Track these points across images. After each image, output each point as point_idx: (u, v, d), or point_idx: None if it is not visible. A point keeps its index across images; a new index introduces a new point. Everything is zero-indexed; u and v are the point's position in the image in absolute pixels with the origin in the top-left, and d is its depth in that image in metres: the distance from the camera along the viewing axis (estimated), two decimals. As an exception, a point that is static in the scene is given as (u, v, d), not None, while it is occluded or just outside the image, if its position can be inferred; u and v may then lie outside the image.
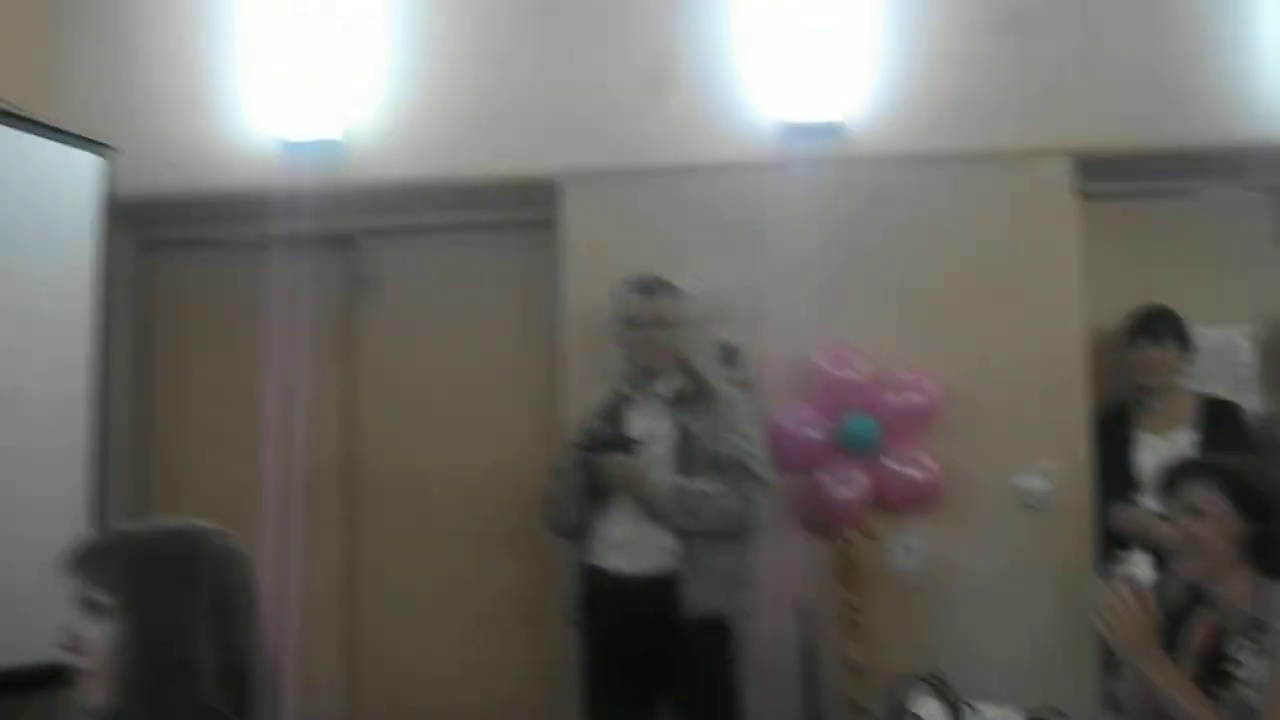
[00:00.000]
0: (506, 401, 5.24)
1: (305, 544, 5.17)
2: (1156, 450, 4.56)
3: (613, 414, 4.46)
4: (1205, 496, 2.96)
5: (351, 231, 5.35)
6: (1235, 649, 2.90)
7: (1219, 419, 4.69)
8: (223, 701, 2.03)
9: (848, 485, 4.70)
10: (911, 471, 4.72)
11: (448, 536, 5.20)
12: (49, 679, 3.80)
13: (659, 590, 4.17)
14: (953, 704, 2.41)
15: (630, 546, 4.27)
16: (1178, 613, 3.22)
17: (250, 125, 5.14)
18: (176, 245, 5.47)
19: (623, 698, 4.10)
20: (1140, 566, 2.96)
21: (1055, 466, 4.74)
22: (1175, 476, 3.06)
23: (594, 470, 4.26)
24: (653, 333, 4.44)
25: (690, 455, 4.30)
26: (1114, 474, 4.65)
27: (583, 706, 4.37)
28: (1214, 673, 2.96)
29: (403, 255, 5.38)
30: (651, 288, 4.48)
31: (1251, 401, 5.01)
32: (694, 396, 4.40)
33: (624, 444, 4.27)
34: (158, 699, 1.99)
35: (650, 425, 4.37)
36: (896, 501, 4.76)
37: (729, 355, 4.82)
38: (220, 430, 5.32)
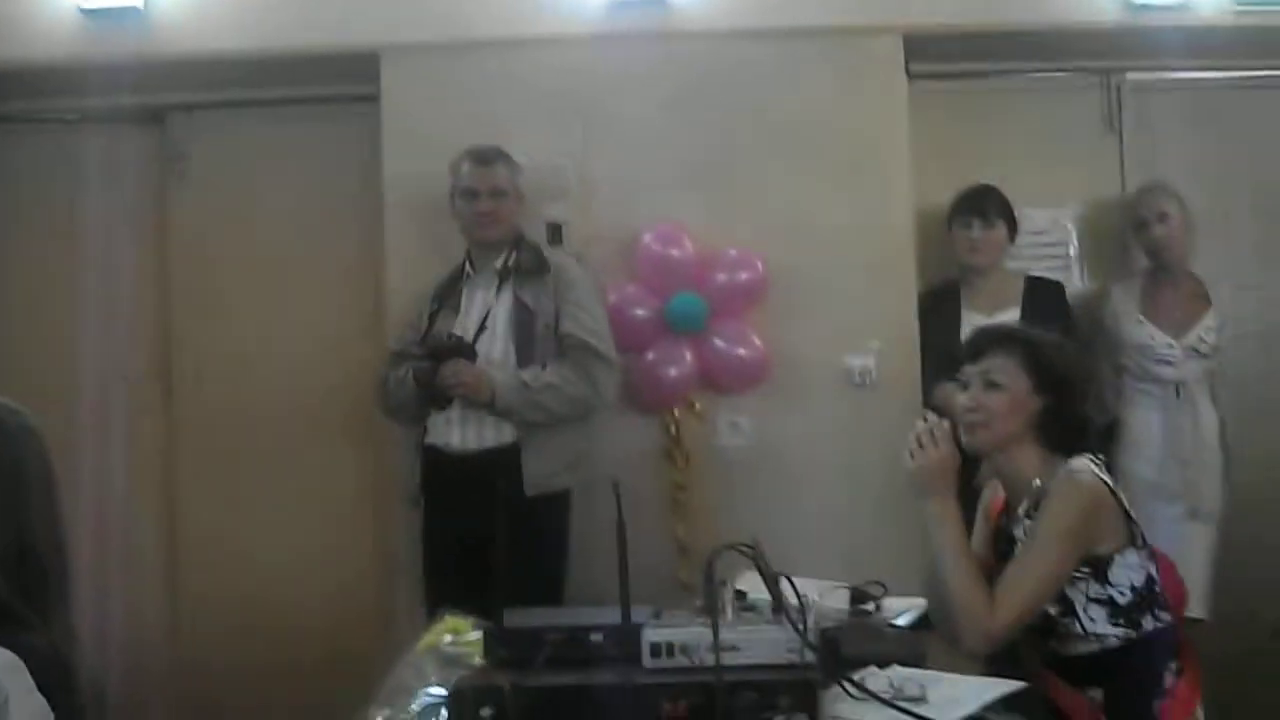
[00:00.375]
0: (330, 281, 5.10)
1: (122, 427, 5.04)
2: None
3: (450, 291, 4.39)
4: (1002, 366, 2.91)
5: (161, 107, 5.13)
6: (1017, 524, 2.89)
7: (1042, 298, 4.73)
8: (8, 581, 1.88)
9: (675, 364, 4.64)
10: (739, 350, 4.68)
11: (274, 421, 5.05)
12: None
13: (497, 466, 4.12)
14: (770, 575, 2.34)
15: (467, 424, 4.22)
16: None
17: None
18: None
19: (463, 572, 3.99)
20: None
21: (882, 345, 4.73)
22: (977, 345, 3.00)
23: (433, 378, 4.16)
24: (489, 204, 4.33)
25: (529, 333, 4.25)
26: (940, 352, 4.65)
27: (425, 584, 4.34)
28: (996, 549, 2.96)
29: (217, 132, 5.16)
30: (489, 158, 4.38)
31: (1074, 282, 5.08)
32: (531, 270, 4.32)
33: (461, 349, 4.18)
34: None
35: (487, 301, 4.31)
36: (724, 380, 4.72)
37: (555, 233, 4.71)
38: (30, 313, 5.11)
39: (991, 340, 2.99)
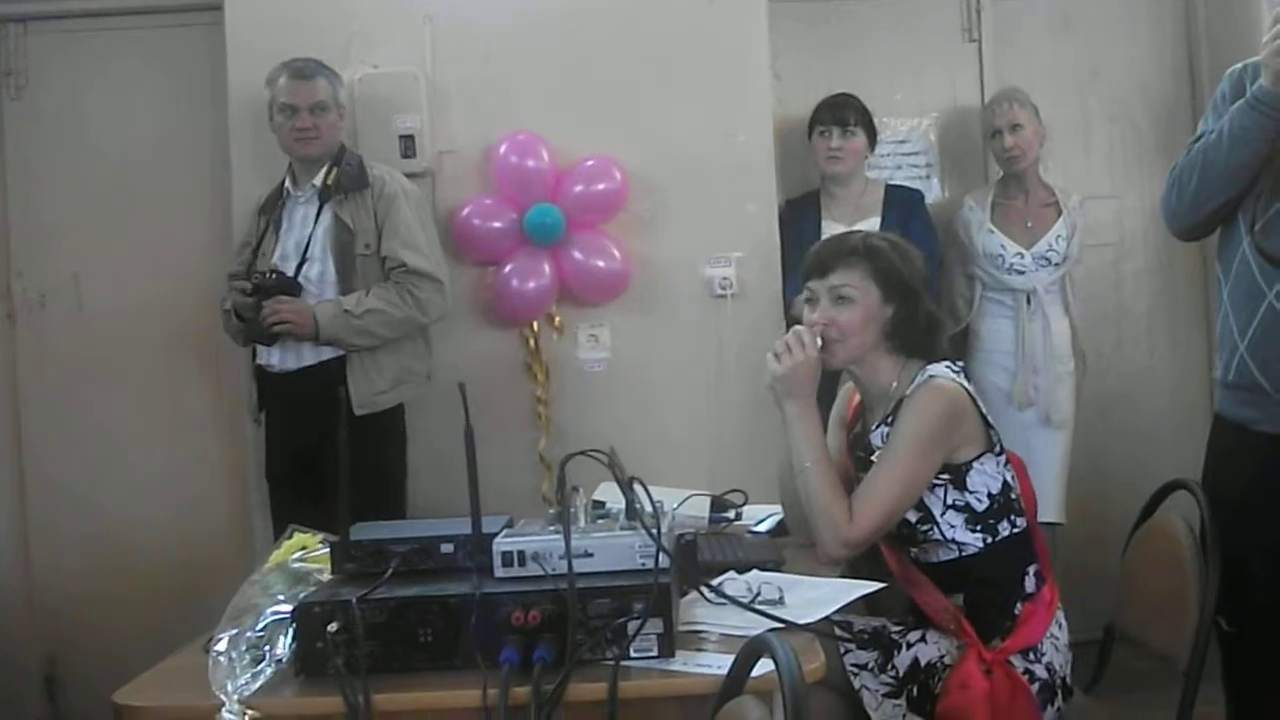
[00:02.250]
0: (176, 199, 4.93)
1: None
2: None
3: (273, 208, 4.29)
4: (850, 280, 2.88)
5: (-11, 19, 4.89)
6: (875, 432, 2.89)
7: (902, 207, 4.74)
8: None
9: (534, 277, 4.58)
10: (598, 261, 4.62)
11: (119, 343, 4.91)
12: None
13: (320, 382, 4.06)
14: (623, 479, 2.30)
15: (286, 344, 4.18)
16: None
17: None
18: None
19: (303, 489, 3.99)
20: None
21: (743, 255, 4.70)
22: (822, 260, 2.94)
23: (257, 315, 4.09)
24: (309, 120, 4.21)
25: (350, 255, 4.17)
26: (801, 263, 4.63)
27: (270, 502, 4.32)
28: (854, 457, 2.96)
29: (52, 46, 4.95)
30: (307, 72, 4.25)
31: (935, 191, 5.10)
32: (351, 187, 4.22)
33: (283, 286, 4.11)
34: None
35: (308, 220, 4.22)
36: (583, 292, 4.67)
37: (408, 145, 4.59)
38: None
39: (835, 254, 2.94)
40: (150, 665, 2.33)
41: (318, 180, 4.23)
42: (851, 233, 3.11)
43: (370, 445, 3.94)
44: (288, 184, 4.30)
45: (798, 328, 2.89)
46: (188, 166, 4.92)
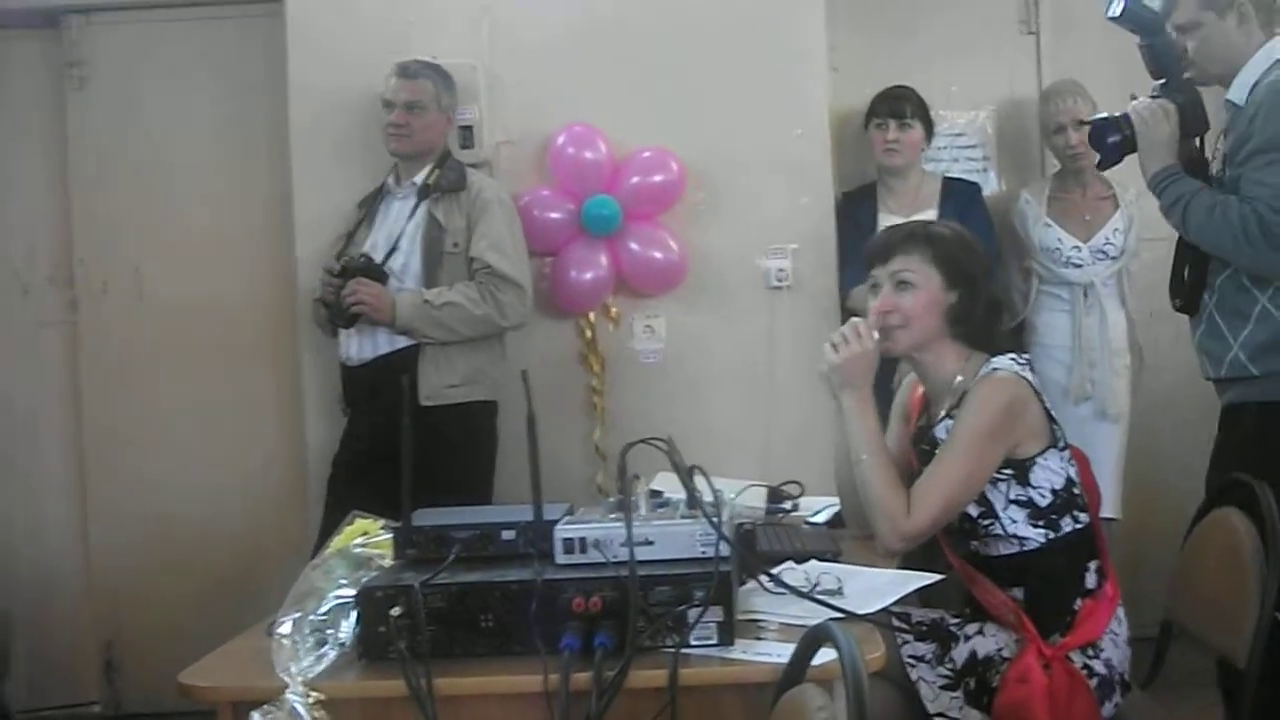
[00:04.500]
0: (236, 191, 4.99)
1: (25, 340, 5.03)
2: None
3: (372, 203, 4.38)
4: (912, 265, 2.88)
5: (56, 10, 4.96)
6: (939, 424, 2.88)
7: (959, 200, 4.72)
8: None
9: (590, 268, 4.60)
10: (654, 253, 4.63)
11: (179, 332, 4.98)
12: None
13: (390, 373, 4.07)
14: (683, 468, 2.31)
15: (362, 334, 4.25)
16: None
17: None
18: None
19: (367, 478, 4.03)
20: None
21: (799, 248, 4.69)
22: (884, 246, 2.95)
23: (340, 297, 4.15)
24: (401, 117, 4.28)
25: (438, 252, 4.23)
26: (856, 254, 4.62)
27: (331, 490, 4.33)
28: (917, 450, 2.95)
29: (116, 38, 5.01)
30: (411, 71, 4.33)
31: (991, 184, 5.08)
32: (449, 188, 4.29)
33: (368, 269, 4.16)
34: None
35: (403, 216, 4.29)
36: (639, 283, 4.69)
37: (466, 136, 4.62)
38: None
39: (898, 240, 2.94)
40: (207, 649, 2.36)
41: (418, 179, 4.30)
42: (914, 220, 3.11)
43: (438, 439, 3.98)
44: (389, 180, 4.38)
45: (855, 319, 2.89)
46: (247, 158, 4.97)
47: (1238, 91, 3.28)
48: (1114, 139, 3.44)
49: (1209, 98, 3.43)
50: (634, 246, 4.60)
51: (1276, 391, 3.22)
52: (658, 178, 4.62)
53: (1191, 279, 3.41)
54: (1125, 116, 3.41)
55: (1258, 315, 3.22)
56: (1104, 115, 3.53)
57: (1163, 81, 3.43)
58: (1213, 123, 3.41)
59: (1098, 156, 3.60)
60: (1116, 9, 3.35)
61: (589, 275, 4.60)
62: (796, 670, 1.88)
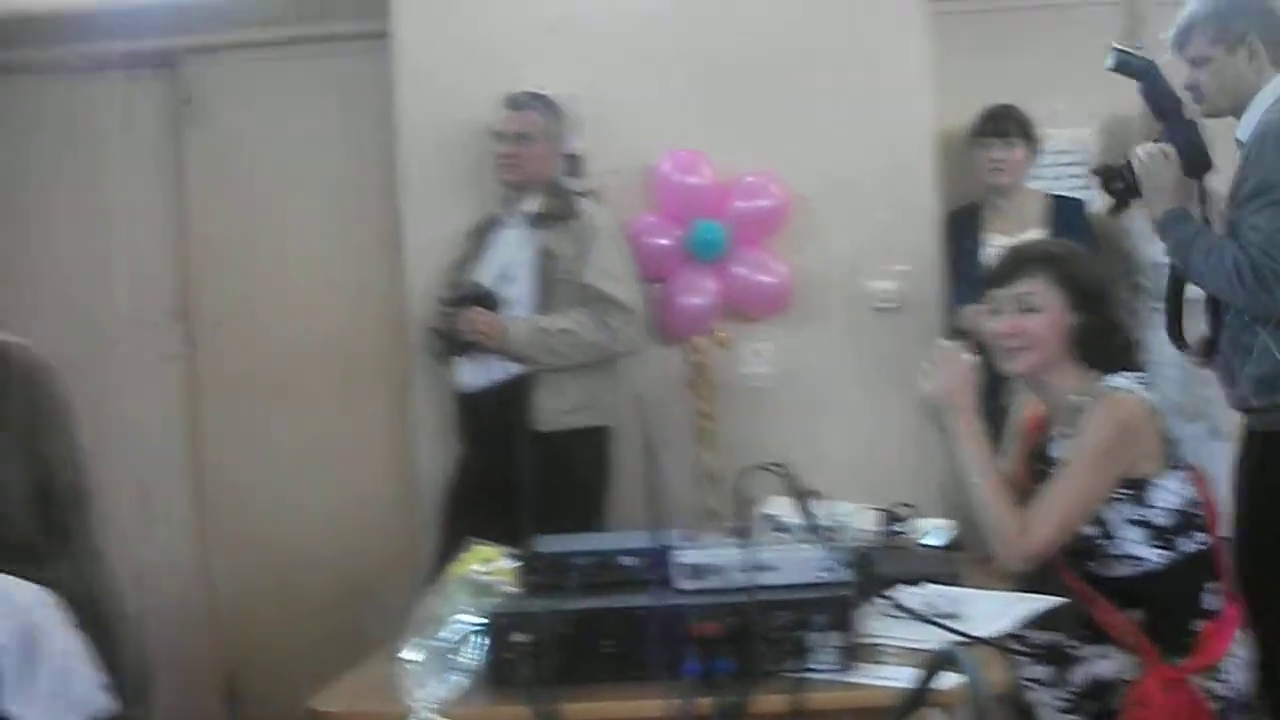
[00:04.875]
0: (347, 222, 5.08)
1: (144, 371, 5.11)
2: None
3: (483, 233, 4.44)
4: (1036, 288, 2.88)
5: (173, 50, 5.09)
6: (1056, 444, 2.87)
7: (1065, 218, 4.68)
8: (31, 517, 1.88)
9: (697, 293, 4.62)
10: (761, 277, 4.65)
11: (293, 363, 5.07)
12: None
13: (504, 401, 4.17)
14: (800, 493, 2.33)
15: (476, 362, 4.30)
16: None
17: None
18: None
19: (483, 505, 4.04)
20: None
21: (905, 269, 4.68)
22: (1007, 268, 2.96)
23: (454, 326, 4.24)
24: (510, 148, 4.37)
25: (552, 279, 4.29)
26: (963, 275, 4.62)
27: (447, 517, 4.38)
28: (1033, 470, 2.94)
29: (229, 75, 5.14)
30: (519, 102, 4.41)
31: (1094, 200, 5.03)
32: (560, 216, 4.35)
33: (481, 297, 4.24)
34: None
35: (514, 245, 4.35)
36: (747, 307, 4.70)
37: (573, 165, 4.68)
38: (48, 260, 5.15)
39: (1022, 262, 2.95)
40: (328, 676, 2.41)
41: (530, 208, 4.37)
42: (1034, 241, 3.12)
43: (554, 464, 4.03)
44: (500, 209, 4.46)
45: (941, 342, 2.90)
46: (356, 189, 5.05)
47: (1244, 129, 3.32)
48: (1118, 186, 3.49)
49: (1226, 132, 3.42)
50: (741, 271, 4.63)
51: (1275, 423, 3.24)
52: (763, 202, 4.65)
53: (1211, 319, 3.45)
54: (1128, 164, 3.45)
55: (1258, 349, 3.23)
56: (1107, 164, 3.63)
57: (1163, 124, 3.48)
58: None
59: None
60: (1110, 62, 3.48)
61: (696, 300, 4.62)
62: (919, 695, 1.89)
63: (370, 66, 4.94)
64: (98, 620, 1.87)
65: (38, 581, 1.80)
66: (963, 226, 4.73)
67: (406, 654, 2.22)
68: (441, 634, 2.29)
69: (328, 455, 5.05)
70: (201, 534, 5.11)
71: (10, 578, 1.80)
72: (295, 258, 5.09)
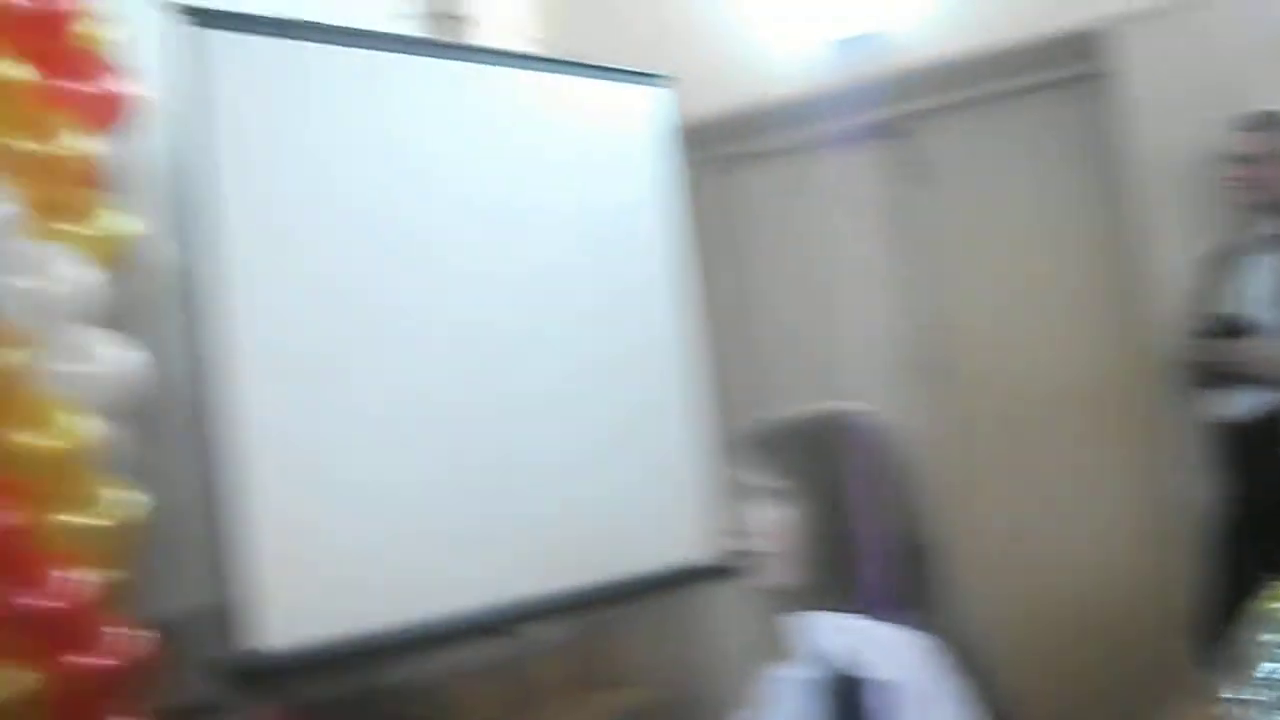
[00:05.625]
0: (1075, 265, 5.19)
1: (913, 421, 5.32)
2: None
3: (1222, 260, 4.39)
4: None
5: (898, 118, 5.37)
6: None
7: None
8: (907, 573, 2.12)
9: None
10: None
11: (1034, 408, 5.20)
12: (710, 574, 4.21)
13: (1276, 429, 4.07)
14: None
15: (1248, 393, 4.18)
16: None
17: (792, 33, 5.21)
18: (735, 160, 5.67)
19: (1257, 545, 3.98)
20: None
21: None
22: None
23: (1213, 357, 4.22)
24: (1238, 170, 4.35)
25: None
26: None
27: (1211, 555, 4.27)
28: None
29: (950, 134, 5.39)
30: (1249, 123, 4.37)
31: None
32: None
33: (1239, 327, 4.20)
34: (846, 572, 2.10)
35: (1258, 272, 4.27)
36: None
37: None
38: (800, 325, 5.53)
39: None
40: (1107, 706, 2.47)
41: (1265, 230, 4.31)
42: None
43: None
44: (1237, 234, 4.41)
45: None
46: (1083, 231, 5.16)
47: None
48: None
49: None
50: None
51: None
52: None
53: None
54: None
55: None
56: None
57: None
58: None
59: None
60: None
61: None
62: None
63: (1086, 106, 5.04)
64: (973, 667, 2.12)
65: (922, 629, 2.08)
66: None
67: (1231, 693, 2.35)
68: (1263, 672, 2.39)
69: (1076, 496, 5.14)
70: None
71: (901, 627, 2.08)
72: (1027, 302, 5.25)
